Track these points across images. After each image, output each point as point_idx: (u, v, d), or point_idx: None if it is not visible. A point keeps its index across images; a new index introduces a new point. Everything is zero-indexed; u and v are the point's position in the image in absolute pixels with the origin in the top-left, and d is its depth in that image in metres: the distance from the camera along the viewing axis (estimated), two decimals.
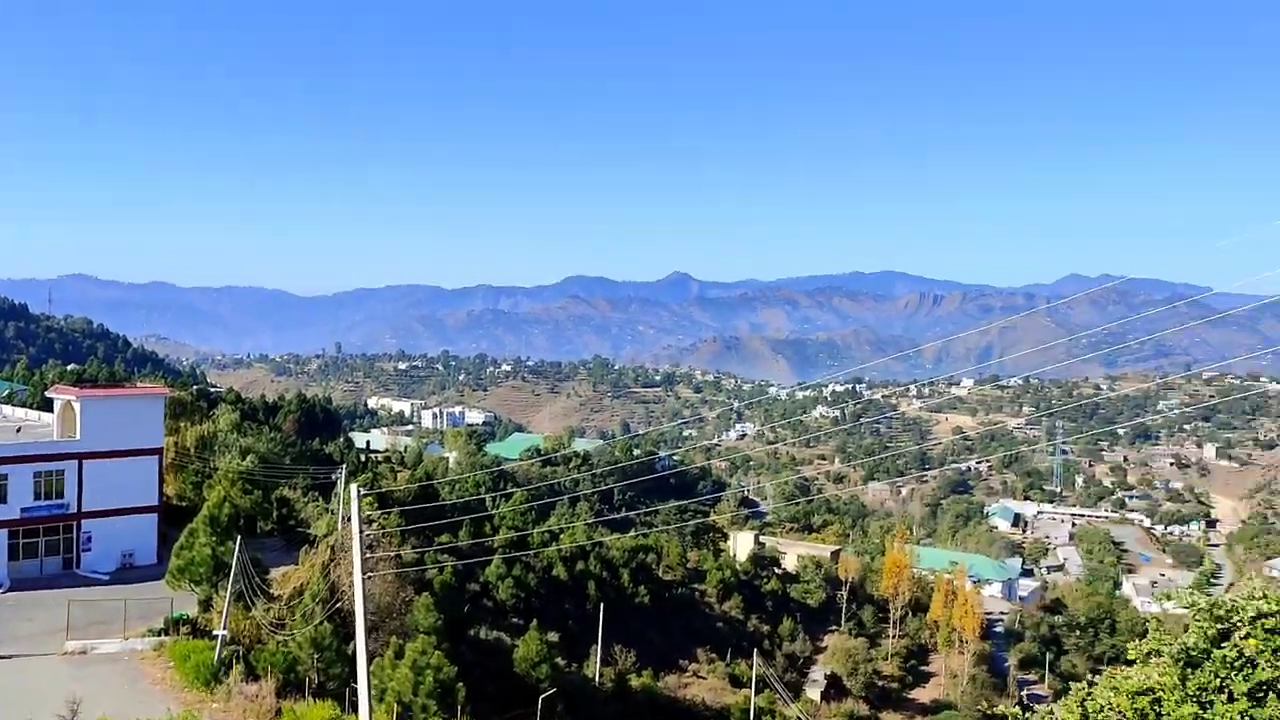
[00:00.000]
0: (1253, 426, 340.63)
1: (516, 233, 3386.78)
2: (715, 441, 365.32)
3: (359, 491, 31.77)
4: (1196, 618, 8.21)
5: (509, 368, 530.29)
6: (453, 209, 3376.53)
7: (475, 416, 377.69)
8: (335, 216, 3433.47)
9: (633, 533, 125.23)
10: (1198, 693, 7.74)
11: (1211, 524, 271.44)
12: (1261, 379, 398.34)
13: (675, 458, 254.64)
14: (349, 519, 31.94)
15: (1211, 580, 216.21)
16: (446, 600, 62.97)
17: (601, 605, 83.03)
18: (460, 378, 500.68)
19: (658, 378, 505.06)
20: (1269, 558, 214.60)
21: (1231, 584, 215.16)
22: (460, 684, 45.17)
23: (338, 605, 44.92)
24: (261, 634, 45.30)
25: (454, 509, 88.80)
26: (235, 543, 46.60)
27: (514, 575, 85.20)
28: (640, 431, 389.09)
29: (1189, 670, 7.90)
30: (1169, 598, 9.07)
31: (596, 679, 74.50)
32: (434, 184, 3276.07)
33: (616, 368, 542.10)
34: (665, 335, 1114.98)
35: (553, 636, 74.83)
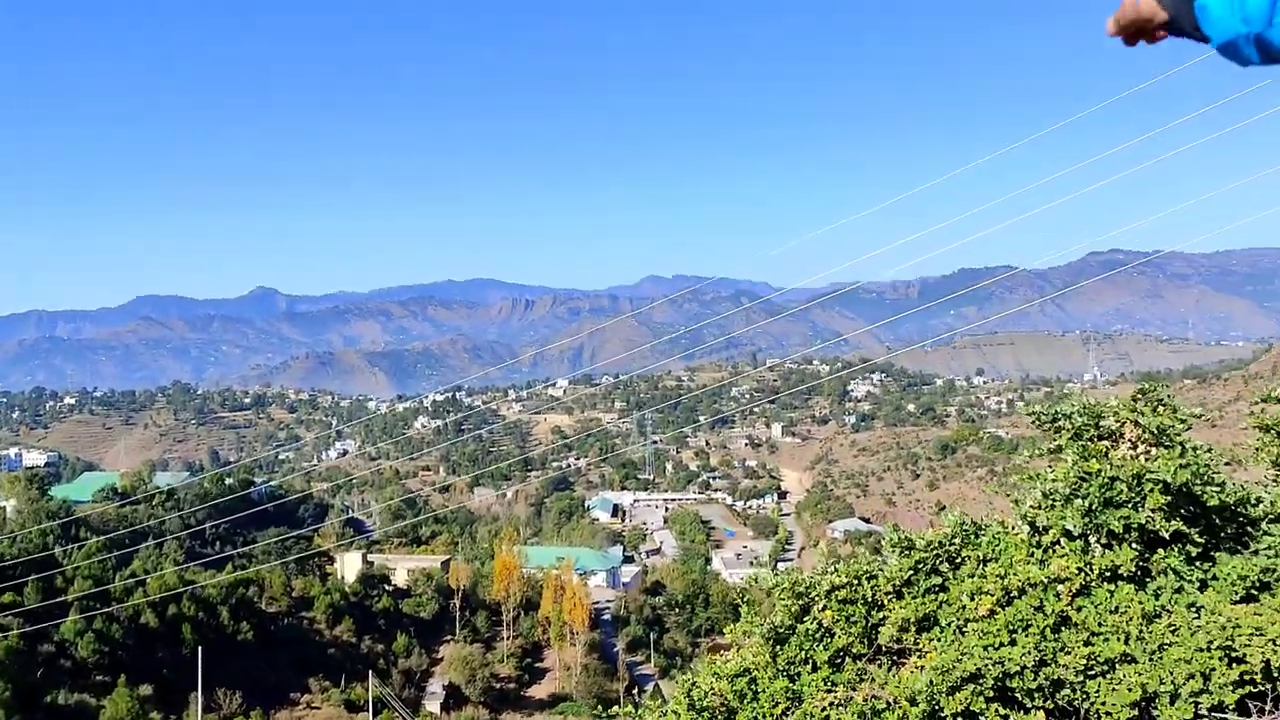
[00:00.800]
0: (809, 405, 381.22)
1: (71, 250, 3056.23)
2: (315, 463, 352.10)
3: None
4: (780, 596, 8.98)
5: (73, 400, 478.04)
6: None
7: (35, 458, 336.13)
8: None
9: (230, 568, 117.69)
10: (787, 666, 8.49)
11: (783, 495, 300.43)
12: (814, 362, 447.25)
13: (273, 484, 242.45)
14: None
15: (786, 546, 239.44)
16: (14, 667, 55.98)
17: (200, 649, 77.37)
18: (14, 415, 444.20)
19: (247, 400, 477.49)
20: (830, 521, 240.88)
21: (803, 548, 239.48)
22: None
23: None
24: None
25: (17, 565, 78.83)
26: None
27: (95, 629, 77.25)
28: (232, 460, 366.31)
29: (778, 647, 8.64)
30: (756, 580, 9.85)
31: None
32: None
33: (200, 392, 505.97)
34: (252, 354, 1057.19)
35: (145, 690, 68.98)
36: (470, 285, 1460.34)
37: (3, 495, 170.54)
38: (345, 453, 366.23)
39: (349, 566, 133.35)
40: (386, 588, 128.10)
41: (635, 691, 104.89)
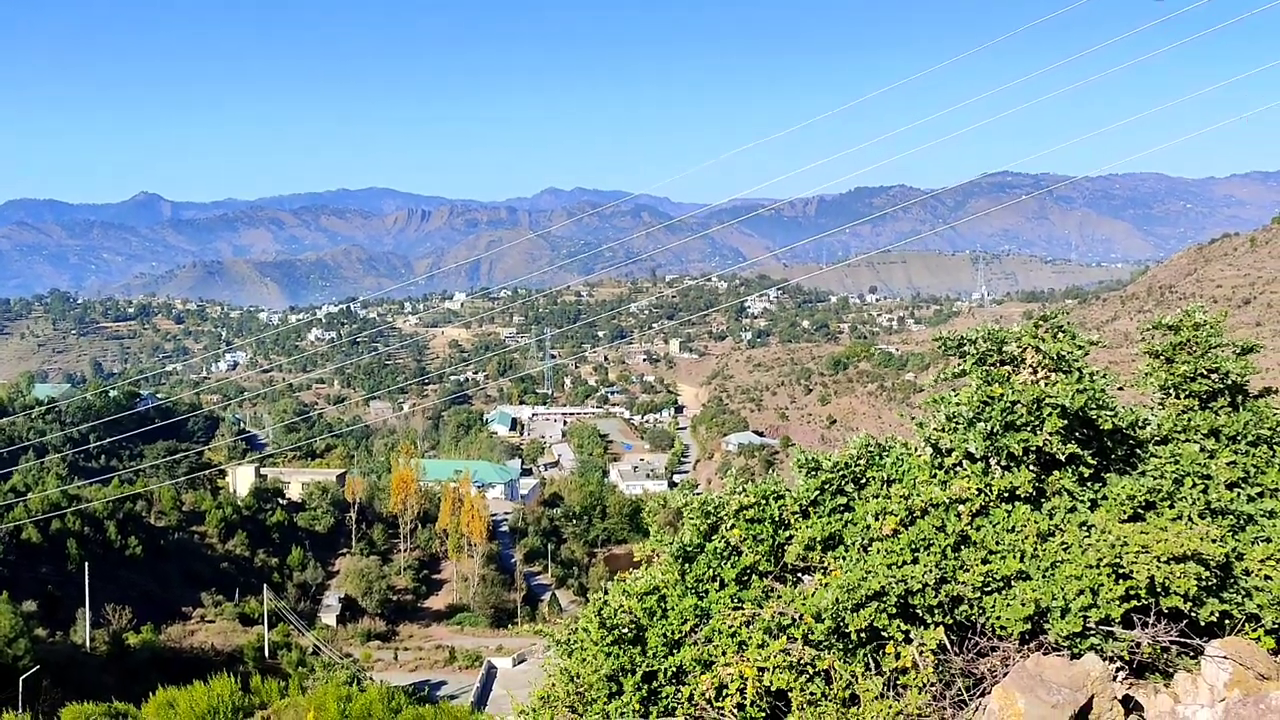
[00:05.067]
0: (707, 321, 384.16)
1: None
2: (204, 375, 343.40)
3: None
4: (689, 515, 9.10)
5: None
6: None
7: None
8: None
9: (116, 482, 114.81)
10: (695, 585, 8.64)
11: (679, 410, 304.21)
12: (712, 278, 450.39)
13: (160, 396, 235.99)
14: None
15: (682, 459, 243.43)
16: None
17: (86, 564, 75.77)
18: None
19: (131, 310, 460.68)
20: (725, 434, 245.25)
21: (698, 461, 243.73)
22: None
23: None
24: None
25: None
26: None
27: None
28: (116, 371, 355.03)
29: (686, 565, 8.78)
30: (664, 501, 9.96)
31: (87, 645, 68.30)
32: None
33: (80, 301, 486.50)
34: (136, 262, 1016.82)
35: (30, 606, 67.46)
36: (365, 194, 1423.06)
37: None
38: (236, 365, 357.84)
39: (241, 480, 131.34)
40: (280, 501, 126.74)
41: (535, 603, 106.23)
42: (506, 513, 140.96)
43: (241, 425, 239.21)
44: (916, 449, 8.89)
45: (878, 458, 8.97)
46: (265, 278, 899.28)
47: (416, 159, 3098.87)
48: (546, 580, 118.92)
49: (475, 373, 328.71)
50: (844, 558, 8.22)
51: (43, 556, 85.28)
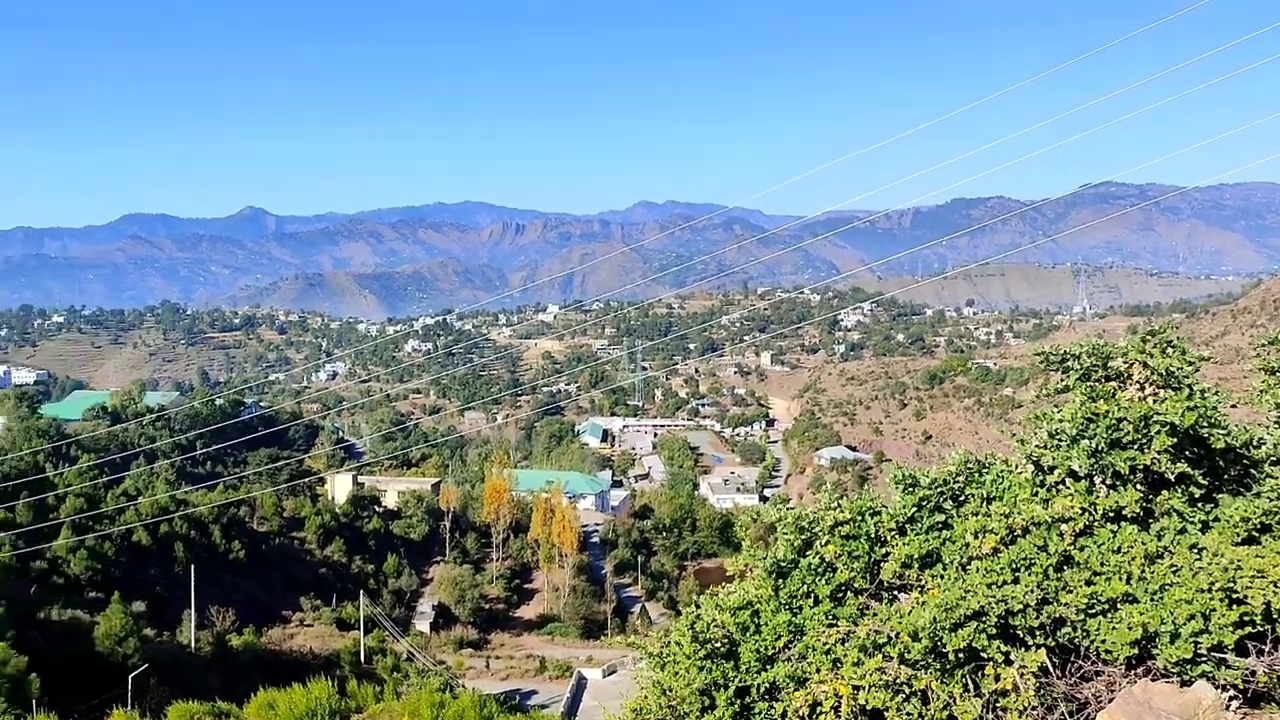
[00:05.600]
0: (799, 334, 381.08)
1: (58, 166, 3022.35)
2: (305, 384, 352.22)
3: None
4: (783, 531, 9.02)
5: (61, 318, 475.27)
6: None
7: (24, 376, 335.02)
8: None
9: (221, 488, 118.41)
10: (789, 600, 8.56)
11: (770, 423, 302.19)
12: (804, 290, 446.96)
13: (263, 404, 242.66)
14: None
15: (773, 473, 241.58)
16: (7, 583, 56.50)
17: (192, 567, 78.08)
18: (1, 333, 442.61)
19: (237, 321, 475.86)
20: (817, 448, 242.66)
21: (790, 475, 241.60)
22: (33, 674, 40.93)
23: None
24: None
25: (7, 481, 79.16)
26: None
27: (88, 546, 77.91)
28: (222, 380, 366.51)
29: (780, 581, 8.70)
30: (756, 516, 9.89)
31: (193, 645, 70.25)
32: None
33: (189, 312, 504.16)
34: (242, 275, 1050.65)
35: (139, 606, 69.61)
36: (460, 208, 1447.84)
37: None
38: (335, 375, 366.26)
39: (340, 488, 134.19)
40: (377, 509, 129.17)
41: (625, 615, 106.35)
42: (597, 524, 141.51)
43: (340, 434, 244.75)
44: (1017, 466, 8.68)
45: (977, 475, 8.79)
46: (364, 290, 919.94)
47: (511, 173, 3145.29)
48: (636, 592, 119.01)
49: (567, 384, 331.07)
50: (942, 576, 8.06)
51: (152, 559, 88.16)
